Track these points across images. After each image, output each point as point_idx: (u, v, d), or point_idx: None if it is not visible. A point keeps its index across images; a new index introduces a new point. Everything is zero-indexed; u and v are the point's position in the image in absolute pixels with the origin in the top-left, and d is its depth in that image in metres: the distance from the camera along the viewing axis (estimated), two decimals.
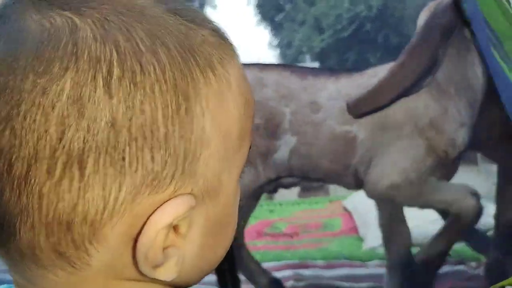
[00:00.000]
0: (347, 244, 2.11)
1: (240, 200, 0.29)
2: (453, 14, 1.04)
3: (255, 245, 2.34)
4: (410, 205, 1.21)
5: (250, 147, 0.27)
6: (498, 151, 1.41)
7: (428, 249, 1.26)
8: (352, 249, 2.02)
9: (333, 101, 1.13)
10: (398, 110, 1.10)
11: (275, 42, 20.42)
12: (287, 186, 1.50)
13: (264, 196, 4.86)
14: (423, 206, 1.20)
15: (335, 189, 4.85)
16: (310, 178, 1.30)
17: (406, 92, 1.06)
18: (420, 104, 1.09)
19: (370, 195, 1.20)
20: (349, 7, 11.98)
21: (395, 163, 1.10)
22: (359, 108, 1.08)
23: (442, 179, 1.20)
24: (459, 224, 1.19)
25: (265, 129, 1.16)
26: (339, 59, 13.71)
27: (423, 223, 1.94)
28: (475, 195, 1.14)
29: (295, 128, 1.16)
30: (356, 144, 1.14)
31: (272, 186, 1.36)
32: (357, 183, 1.23)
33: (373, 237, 2.00)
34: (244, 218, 1.51)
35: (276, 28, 18.92)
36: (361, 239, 2.13)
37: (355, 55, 12.74)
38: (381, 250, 1.91)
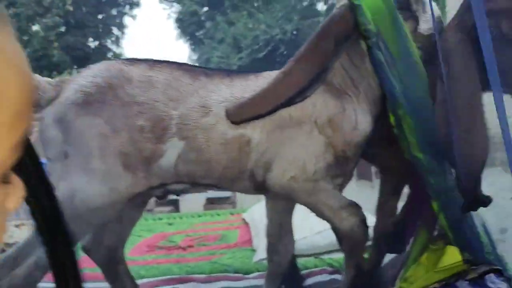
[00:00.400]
0: (239, 256, 2.05)
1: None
2: (349, 24, 1.05)
3: (145, 259, 2.18)
4: (305, 202, 1.18)
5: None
6: (382, 162, 1.47)
7: (343, 281, 1.24)
8: (243, 261, 1.97)
9: (225, 104, 1.07)
10: (295, 108, 1.08)
11: (195, 57, 20.34)
12: (178, 193, 1.37)
13: (168, 209, 4.64)
14: (314, 206, 1.17)
15: (242, 202, 4.87)
16: (201, 184, 1.17)
17: (290, 101, 1.02)
18: (319, 101, 1.08)
19: (272, 189, 1.14)
20: (265, 29, 12.47)
21: (295, 158, 1.08)
22: (239, 115, 1.02)
23: (338, 181, 1.19)
24: (350, 243, 1.18)
25: (150, 132, 1.06)
26: None
27: (310, 234, 1.97)
28: (362, 218, 1.16)
29: (183, 132, 1.07)
30: (251, 147, 1.09)
31: (160, 191, 1.21)
32: (256, 186, 1.17)
33: (263, 249, 1.98)
34: (125, 228, 1.37)
35: (196, 43, 18.92)
36: (254, 251, 2.09)
37: None
38: None
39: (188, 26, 18.26)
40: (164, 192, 1.23)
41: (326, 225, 2.03)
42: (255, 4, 15.18)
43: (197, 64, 19.87)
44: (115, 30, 16.75)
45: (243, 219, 2.93)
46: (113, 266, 1.33)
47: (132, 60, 1.14)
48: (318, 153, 1.07)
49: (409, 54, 1.08)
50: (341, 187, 1.25)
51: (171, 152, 1.07)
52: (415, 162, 1.05)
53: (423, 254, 1.15)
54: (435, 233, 1.22)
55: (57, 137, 1.04)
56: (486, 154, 1.00)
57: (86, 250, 1.33)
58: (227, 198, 4.74)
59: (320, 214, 1.18)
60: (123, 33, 17.06)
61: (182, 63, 1.19)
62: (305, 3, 12.91)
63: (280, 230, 1.35)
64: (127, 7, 17.03)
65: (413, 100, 1.05)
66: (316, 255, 1.95)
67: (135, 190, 1.07)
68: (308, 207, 1.20)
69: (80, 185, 1.01)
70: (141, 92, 1.06)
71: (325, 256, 1.91)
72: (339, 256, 1.62)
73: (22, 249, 1.09)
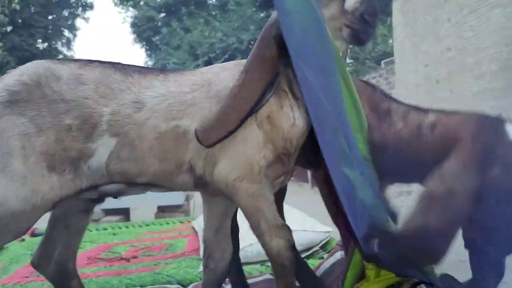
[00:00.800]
0: (185, 266, 1.97)
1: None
2: None
3: (83, 272, 2.04)
4: (245, 205, 1.12)
5: None
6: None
7: None
8: (188, 271, 1.89)
9: (159, 99, 1.05)
10: None
11: (151, 62, 19.95)
12: (115, 195, 1.22)
13: (117, 218, 4.42)
14: (252, 214, 1.11)
15: (198, 210, 4.76)
16: (137, 183, 1.10)
17: (254, 109, 1.03)
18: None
19: (216, 185, 1.09)
20: (221, 38, 12.51)
21: (239, 154, 1.05)
22: (210, 137, 1.01)
23: (280, 180, 1.17)
24: (279, 267, 1.13)
25: (78, 130, 1.01)
26: None
27: (256, 241, 1.94)
28: (291, 243, 1.12)
29: (115, 129, 1.02)
30: (189, 138, 1.05)
31: (95, 194, 1.14)
32: (196, 181, 1.12)
33: None
34: (74, 239, 1.26)
35: (152, 49, 18.57)
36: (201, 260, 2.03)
37: None
38: None
39: (144, 31, 17.92)
40: (100, 195, 1.15)
41: None
42: (212, 13, 15.19)
43: None
44: (66, 32, 16.10)
45: (193, 227, 2.85)
46: (66, 281, 1.25)
47: (63, 59, 1.10)
48: (259, 149, 1.05)
49: (330, 56, 1.09)
50: (281, 185, 1.22)
51: (102, 150, 1.02)
52: (342, 178, 1.04)
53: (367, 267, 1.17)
54: None
55: None
56: None
57: (35, 266, 1.25)
58: (179, 206, 4.61)
59: (256, 225, 1.11)
60: (74, 35, 16.44)
61: (115, 62, 1.15)
62: (262, 14, 13.09)
63: (217, 235, 1.27)
64: (80, 9, 16.44)
65: (343, 114, 1.06)
66: (262, 262, 1.91)
67: (62, 193, 1.00)
68: (246, 213, 1.13)
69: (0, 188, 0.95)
70: (70, 90, 1.01)
71: (266, 264, 1.89)
72: None
73: None
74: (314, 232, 2.10)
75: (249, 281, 1.62)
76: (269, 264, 1.89)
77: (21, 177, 0.96)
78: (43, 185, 0.97)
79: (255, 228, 1.13)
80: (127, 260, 2.22)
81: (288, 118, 1.07)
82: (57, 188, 0.99)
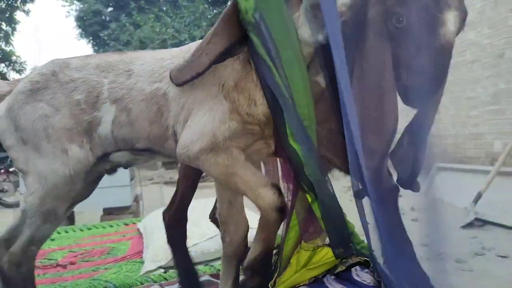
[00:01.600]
0: (125, 271, 1.90)
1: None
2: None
3: None
4: (216, 175, 1.10)
5: None
6: None
7: (249, 254, 1.14)
8: (128, 275, 1.82)
9: (145, 66, 1.17)
10: (211, 70, 1.07)
11: None
12: (125, 166, 1.33)
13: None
14: (230, 181, 1.09)
15: (145, 210, 4.62)
16: (139, 150, 1.19)
17: (221, 57, 1.04)
18: (229, 65, 1.08)
19: (181, 159, 1.11)
20: (173, 34, 12.24)
21: (203, 125, 1.05)
22: (180, 77, 1.05)
23: (252, 148, 1.15)
24: (264, 220, 1.10)
25: (85, 102, 1.16)
26: None
27: (200, 241, 1.91)
28: (276, 188, 1.09)
29: (113, 95, 1.15)
30: (168, 100, 1.12)
31: (108, 165, 1.27)
32: None
33: (151, 260, 1.86)
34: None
35: (100, 44, 17.79)
36: (143, 263, 1.96)
37: None
38: (157, 274, 1.78)
39: (90, 25, 17.13)
40: (112, 166, 1.28)
41: (216, 231, 2.00)
42: (163, 8, 14.83)
43: None
44: (3, 25, 15.03)
45: (138, 229, 2.76)
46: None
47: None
48: (224, 119, 1.05)
49: (293, 45, 1.06)
50: (261, 154, 1.21)
51: (106, 117, 1.15)
52: (292, 152, 1.03)
53: (294, 256, 1.15)
54: (311, 229, 1.21)
55: (9, 126, 1.16)
56: (395, 131, 1.03)
57: None
58: (127, 207, 4.44)
59: (235, 189, 1.13)
60: (14, 29, 15.39)
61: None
62: (214, 11, 12.96)
63: (230, 208, 1.28)
64: (19, 1, 15.42)
65: (293, 91, 1.04)
66: (206, 262, 1.89)
67: (88, 162, 1.16)
68: (221, 182, 1.16)
69: (42, 168, 1.13)
70: (77, 71, 1.18)
71: (216, 263, 1.86)
72: None
73: (13, 229, 1.25)
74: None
75: None
76: (213, 264, 1.88)
77: (50, 154, 1.13)
78: (68, 157, 1.14)
79: (237, 191, 1.15)
80: (64, 266, 2.10)
81: (255, 84, 1.07)
82: (82, 158, 1.15)
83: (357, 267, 1.06)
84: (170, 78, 1.05)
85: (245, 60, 1.09)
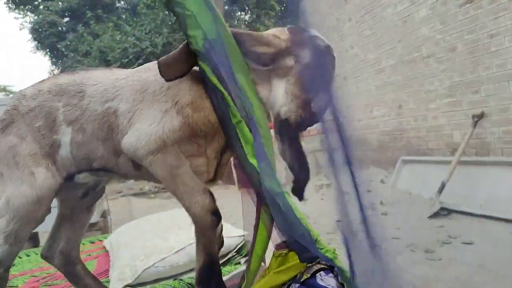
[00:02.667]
0: None
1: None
2: None
3: None
4: (162, 175, 1.12)
5: None
6: None
7: (195, 269, 1.16)
8: None
9: (98, 86, 1.20)
10: (161, 86, 1.12)
11: (57, 71, 18.46)
12: (93, 187, 1.41)
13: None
14: (171, 184, 1.11)
15: (113, 226, 4.47)
16: (98, 170, 1.24)
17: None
18: (184, 84, 1.11)
19: (129, 157, 1.14)
20: (134, 42, 11.99)
21: (152, 132, 1.08)
22: (170, 72, 1.07)
23: (197, 163, 1.18)
24: (199, 228, 1.12)
25: (44, 128, 1.22)
26: None
27: (168, 255, 1.85)
28: (210, 193, 1.13)
29: (68, 117, 1.21)
30: (118, 116, 1.16)
31: (80, 191, 1.37)
32: (134, 163, 1.19)
33: (117, 279, 1.78)
34: (75, 233, 1.47)
35: (57, 56, 17.20)
36: (109, 282, 1.87)
37: None
38: None
39: (46, 37, 16.54)
40: (85, 190, 1.37)
41: (185, 243, 1.95)
42: (122, 16, 14.52)
43: None
44: None
45: (104, 247, 2.65)
46: (71, 267, 1.47)
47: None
48: (174, 130, 1.08)
49: (244, 69, 1.09)
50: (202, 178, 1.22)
51: (64, 139, 1.21)
52: (251, 168, 1.04)
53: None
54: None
55: None
56: None
57: (44, 257, 1.49)
58: (94, 224, 4.28)
59: (175, 191, 1.12)
60: None
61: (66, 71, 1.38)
62: (175, 17, 12.81)
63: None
64: None
65: (253, 111, 1.06)
66: (176, 276, 1.83)
67: (55, 182, 1.20)
68: (164, 182, 1.14)
69: (10, 193, 1.19)
70: (33, 100, 1.25)
71: (185, 276, 1.81)
72: None
73: None
74: (229, 238, 2.06)
75: None
76: (182, 277, 1.82)
77: (19, 178, 1.19)
78: (36, 179, 1.19)
79: (175, 194, 1.13)
80: None
81: (209, 106, 1.10)
82: (49, 179, 1.19)
83: (322, 272, 1.06)
84: (160, 72, 1.06)
85: (199, 80, 1.11)
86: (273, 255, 1.20)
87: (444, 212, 3.87)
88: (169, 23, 12.63)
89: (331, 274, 1.04)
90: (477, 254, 2.85)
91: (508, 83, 3.97)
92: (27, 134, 1.22)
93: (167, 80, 1.09)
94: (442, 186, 4.07)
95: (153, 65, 1.20)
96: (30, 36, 16.51)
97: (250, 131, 1.04)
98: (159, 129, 1.08)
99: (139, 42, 11.80)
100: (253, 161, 1.03)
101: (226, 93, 1.04)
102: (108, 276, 2.04)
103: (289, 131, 1.10)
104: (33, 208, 1.17)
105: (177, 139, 1.09)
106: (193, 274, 1.86)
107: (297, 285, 1.04)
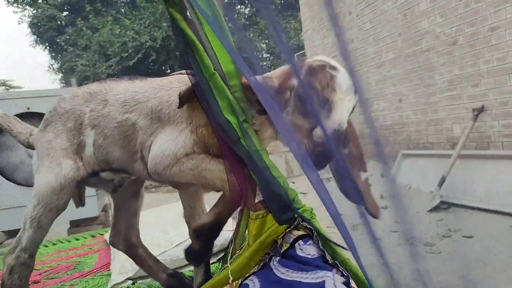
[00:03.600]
0: (92, 285, 1.82)
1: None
2: None
3: None
4: (189, 180, 1.16)
5: None
6: None
7: (200, 220, 1.23)
8: None
9: (119, 96, 1.30)
10: (173, 108, 1.18)
11: (57, 65, 18.41)
12: (117, 185, 1.50)
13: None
14: (201, 181, 1.15)
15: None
16: (118, 170, 1.35)
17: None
18: (198, 107, 1.15)
19: (154, 178, 1.23)
20: (134, 36, 11.93)
21: (165, 149, 1.15)
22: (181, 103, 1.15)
23: None
24: (223, 199, 1.16)
25: (74, 129, 1.35)
26: None
27: (168, 248, 1.86)
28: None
29: (92, 122, 1.32)
30: (136, 129, 1.24)
31: (111, 186, 1.47)
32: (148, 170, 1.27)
33: (118, 272, 1.79)
34: (131, 219, 1.58)
35: (57, 50, 17.15)
36: (110, 276, 1.89)
37: None
38: (125, 286, 1.72)
39: (46, 31, 16.46)
40: (113, 186, 1.47)
41: (185, 236, 1.96)
42: (121, 10, 14.44)
43: (60, 73, 18.07)
44: None
45: (106, 240, 2.66)
46: (134, 251, 1.58)
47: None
48: (187, 148, 1.14)
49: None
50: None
51: (89, 141, 1.32)
52: (227, 125, 1.03)
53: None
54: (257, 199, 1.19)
55: (35, 158, 1.41)
56: None
57: (112, 244, 1.62)
58: (95, 218, 4.29)
59: (212, 184, 1.14)
60: None
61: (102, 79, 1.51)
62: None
63: (191, 211, 1.42)
64: None
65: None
66: (177, 269, 1.84)
67: (79, 175, 1.32)
68: (197, 184, 1.19)
69: (38, 180, 1.33)
70: (69, 104, 1.39)
71: (186, 269, 1.82)
72: None
73: (19, 237, 1.39)
74: (229, 232, 2.07)
75: None
76: (182, 270, 1.83)
77: (48, 168, 1.32)
78: (62, 169, 1.31)
79: (206, 186, 1.16)
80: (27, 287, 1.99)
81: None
82: (73, 171, 1.31)
83: (300, 242, 1.00)
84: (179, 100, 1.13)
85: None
86: (250, 217, 1.15)
87: (444, 205, 3.88)
88: (168, 16, 12.56)
89: (310, 242, 0.99)
90: (477, 247, 2.86)
91: (508, 76, 3.96)
92: (61, 132, 1.37)
93: (179, 107, 1.15)
94: (442, 180, 4.07)
95: (167, 83, 1.27)
96: (29, 30, 16.45)
97: (225, 84, 1.04)
98: (172, 146, 1.15)
99: (138, 36, 11.75)
100: (229, 117, 1.02)
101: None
102: (109, 270, 2.05)
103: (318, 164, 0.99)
104: (55, 195, 1.29)
105: (188, 152, 1.14)
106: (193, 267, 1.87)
107: (278, 258, 1.00)
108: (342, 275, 0.90)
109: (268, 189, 1.01)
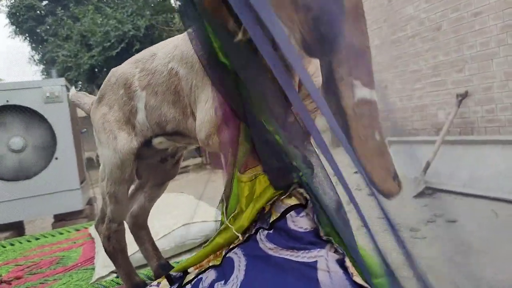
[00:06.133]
0: (75, 280, 1.78)
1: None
2: None
3: None
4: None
5: None
6: None
7: None
8: (79, 284, 1.71)
9: (164, 49, 1.20)
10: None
11: (38, 56, 17.96)
12: (172, 154, 1.47)
13: (5, 235, 3.92)
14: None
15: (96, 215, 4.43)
16: (171, 134, 1.24)
17: None
18: None
19: (202, 145, 1.14)
20: (116, 25, 11.67)
21: (205, 114, 1.05)
22: None
23: None
24: None
25: (125, 94, 1.27)
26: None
27: (154, 240, 1.84)
28: None
29: (141, 82, 1.23)
30: (180, 79, 1.13)
31: (160, 155, 1.43)
32: None
33: (102, 266, 1.76)
34: (145, 203, 1.57)
35: (37, 41, 16.71)
36: (94, 269, 1.85)
37: None
38: (109, 280, 1.69)
39: (25, 21, 15.99)
40: (164, 156, 1.44)
41: (170, 228, 1.93)
42: None
43: (41, 65, 17.63)
44: None
45: (90, 234, 2.62)
46: (138, 231, 1.57)
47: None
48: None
49: None
50: None
51: (140, 105, 1.24)
52: (223, 71, 0.94)
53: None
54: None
55: (94, 132, 1.36)
56: None
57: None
58: (80, 211, 4.23)
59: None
60: None
61: None
62: None
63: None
64: None
65: None
66: None
67: (135, 145, 1.26)
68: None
69: (102, 156, 1.32)
70: (119, 71, 1.30)
71: (172, 261, 1.80)
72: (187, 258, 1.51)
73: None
74: (215, 222, 2.06)
75: None
76: (169, 261, 1.81)
77: (106, 143, 1.29)
78: (118, 143, 1.27)
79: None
80: (8, 283, 1.95)
81: None
82: (129, 142, 1.26)
83: (292, 213, 0.89)
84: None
85: None
86: (239, 180, 1.04)
87: (429, 191, 3.92)
88: (152, 5, 12.32)
89: (303, 213, 0.88)
90: (460, 231, 2.91)
91: (491, 61, 3.99)
92: (114, 103, 1.31)
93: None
94: (427, 166, 4.11)
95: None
96: (7, 20, 15.96)
97: None
98: (211, 113, 1.04)
99: (121, 25, 11.49)
100: (224, 60, 0.91)
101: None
102: (93, 263, 2.02)
103: None
104: (119, 171, 1.28)
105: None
106: (179, 259, 1.85)
107: (265, 232, 0.89)
108: (336, 251, 0.81)
109: (268, 147, 0.91)
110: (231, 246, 0.98)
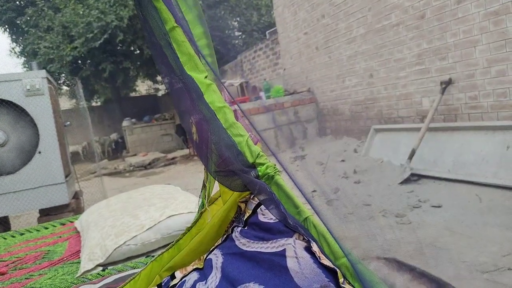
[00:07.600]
0: (61, 274, 1.76)
1: None
2: None
3: None
4: None
5: None
6: None
7: None
8: (64, 278, 1.69)
9: None
10: None
11: (18, 48, 17.48)
12: None
13: None
14: None
15: (88, 206, 4.38)
16: None
17: None
18: None
19: None
20: (99, 16, 11.42)
21: None
22: None
23: None
24: None
25: None
26: (95, 69, 12.87)
27: (139, 232, 1.82)
28: None
29: None
30: None
31: None
32: None
33: (88, 259, 1.74)
34: None
35: (17, 33, 16.26)
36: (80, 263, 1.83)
37: (111, 64, 12.25)
38: (95, 273, 1.67)
39: (3, 12, 15.54)
40: None
41: (156, 220, 1.92)
42: None
43: (23, 57, 17.21)
44: None
45: (75, 228, 2.59)
46: None
47: None
48: None
49: None
50: None
51: None
52: (190, 81, 0.96)
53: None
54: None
55: None
56: None
57: None
58: (66, 205, 4.18)
59: None
60: None
61: None
62: None
63: None
64: None
65: None
66: (148, 253, 1.81)
67: None
68: None
69: None
70: None
71: (158, 252, 1.79)
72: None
73: None
74: (189, 214, 2.04)
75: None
76: (154, 254, 1.80)
77: None
78: None
79: None
80: None
81: None
82: None
83: (262, 206, 0.95)
84: None
85: None
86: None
87: (414, 177, 3.97)
88: None
89: (272, 206, 0.91)
90: (445, 216, 2.96)
91: (474, 49, 4.04)
92: None
93: None
94: (412, 153, 4.16)
95: None
96: None
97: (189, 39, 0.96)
98: None
99: (103, 15, 11.25)
100: (192, 74, 0.94)
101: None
102: (79, 257, 2.00)
103: None
104: None
105: None
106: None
107: (239, 228, 0.96)
108: (303, 238, 0.84)
109: (230, 149, 0.93)
110: (211, 249, 1.04)
